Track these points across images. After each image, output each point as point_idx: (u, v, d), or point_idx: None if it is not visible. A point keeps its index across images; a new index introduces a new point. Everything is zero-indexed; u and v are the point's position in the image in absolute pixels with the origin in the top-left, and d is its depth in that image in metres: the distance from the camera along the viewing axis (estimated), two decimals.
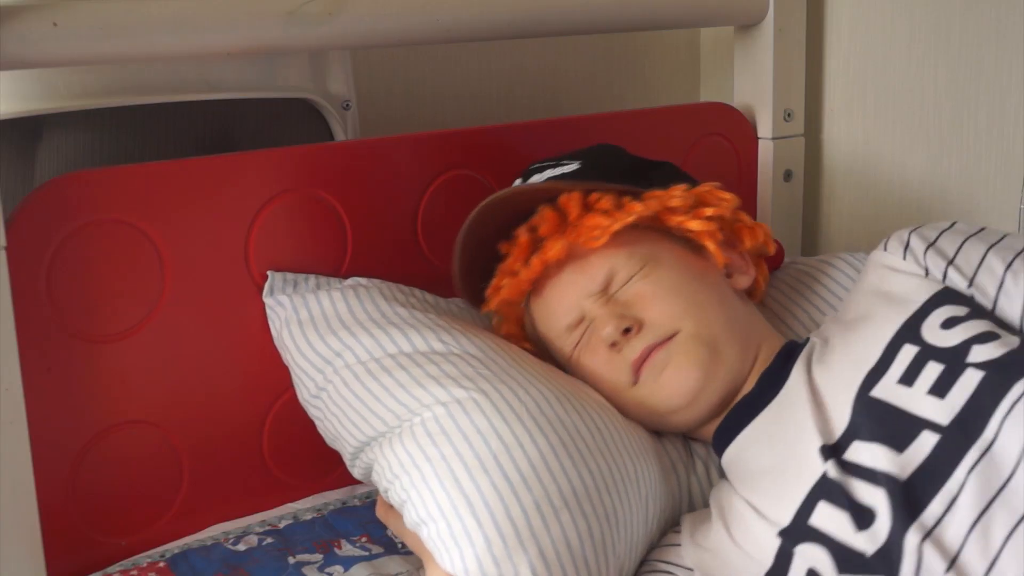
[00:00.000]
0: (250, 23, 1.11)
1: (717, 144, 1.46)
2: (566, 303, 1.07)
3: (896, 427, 0.89)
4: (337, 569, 1.01)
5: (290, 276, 1.13)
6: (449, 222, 1.23)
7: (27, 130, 1.22)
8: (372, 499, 1.14)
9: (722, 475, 1.05)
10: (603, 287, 1.06)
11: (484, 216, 1.08)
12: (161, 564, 1.04)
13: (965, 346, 0.91)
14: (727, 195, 1.11)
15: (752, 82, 1.52)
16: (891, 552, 0.84)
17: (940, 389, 0.89)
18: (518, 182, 1.14)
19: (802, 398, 0.97)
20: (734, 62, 1.55)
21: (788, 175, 1.53)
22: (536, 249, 1.08)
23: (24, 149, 1.24)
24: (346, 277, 1.15)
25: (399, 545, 1.06)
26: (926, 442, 0.87)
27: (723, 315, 1.05)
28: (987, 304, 0.97)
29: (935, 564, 0.81)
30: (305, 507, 1.14)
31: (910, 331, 0.95)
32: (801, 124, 1.54)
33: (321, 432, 1.09)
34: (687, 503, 1.07)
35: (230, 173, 1.11)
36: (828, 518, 0.88)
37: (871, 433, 0.90)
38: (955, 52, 1.41)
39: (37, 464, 0.99)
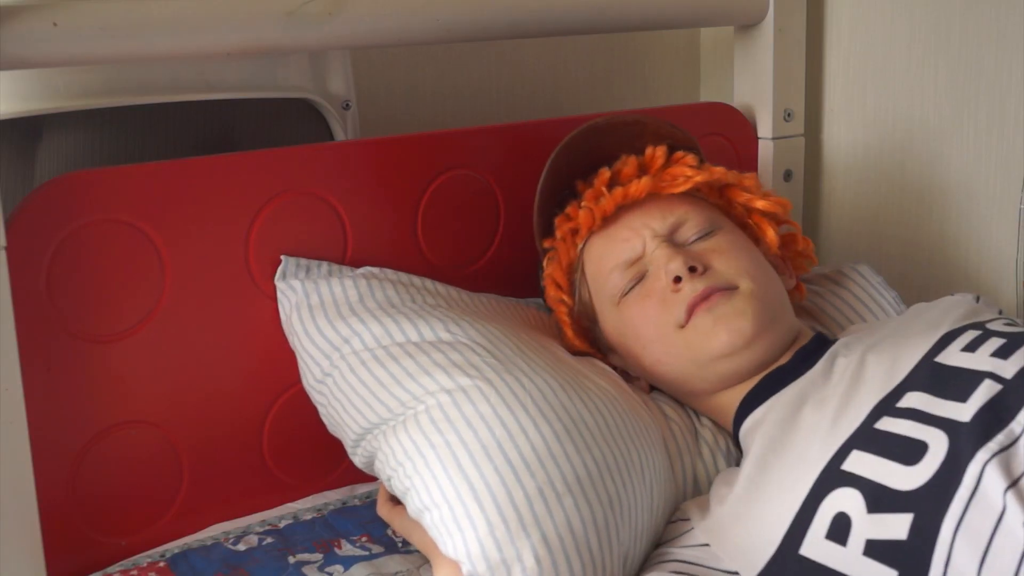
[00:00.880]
0: (250, 23, 1.11)
1: (717, 144, 1.46)
2: (631, 236, 1.10)
3: (957, 381, 0.89)
4: (337, 568, 1.01)
5: (303, 262, 1.13)
6: (449, 222, 1.23)
7: (27, 130, 1.22)
8: (372, 499, 1.14)
9: (728, 463, 1.07)
10: (670, 231, 1.09)
11: (574, 145, 1.13)
12: (161, 564, 1.04)
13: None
14: (786, 200, 1.17)
15: (752, 82, 1.52)
16: (948, 477, 0.82)
17: (1004, 353, 0.90)
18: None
19: (836, 372, 0.99)
20: (734, 62, 1.55)
21: (788, 175, 1.53)
22: (616, 186, 1.12)
23: (24, 149, 1.24)
24: None
25: (399, 544, 1.06)
26: (989, 388, 0.87)
27: (778, 289, 1.10)
28: None
29: (996, 485, 0.80)
30: (305, 507, 1.14)
31: (976, 325, 0.97)
32: (801, 124, 1.54)
33: (323, 418, 1.09)
34: (692, 489, 1.07)
35: (230, 173, 1.11)
36: (863, 463, 0.87)
37: (926, 386, 0.90)
38: (955, 52, 1.41)
39: (37, 464, 0.99)
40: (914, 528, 0.82)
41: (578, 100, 1.70)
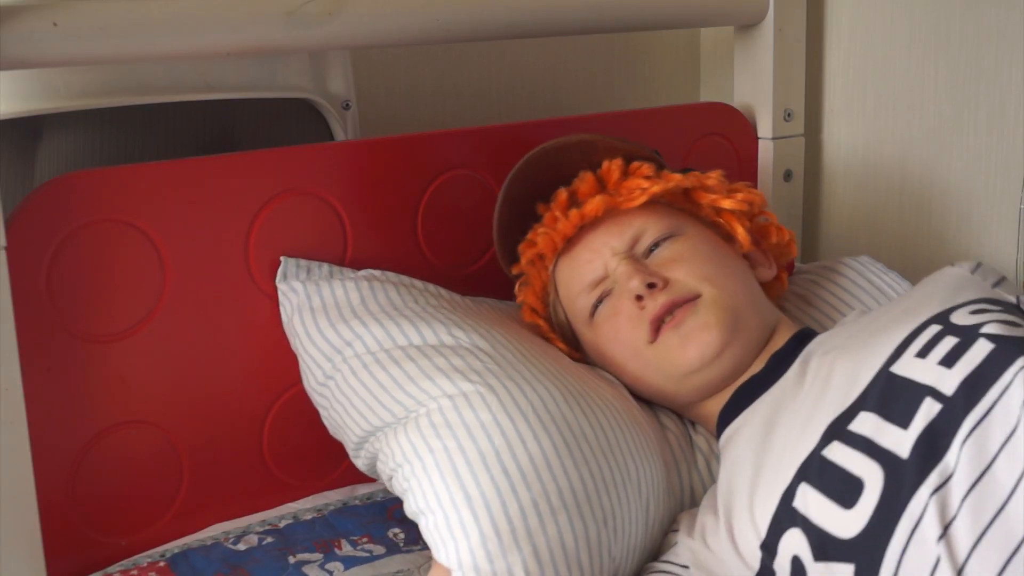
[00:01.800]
0: (250, 23, 1.11)
1: (717, 144, 1.46)
2: (593, 258, 1.09)
3: (903, 399, 0.87)
4: (337, 567, 1.01)
5: (303, 263, 1.13)
6: (449, 222, 1.23)
7: (27, 130, 1.22)
8: (372, 500, 1.14)
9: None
10: (630, 245, 1.08)
11: (527, 170, 1.12)
12: (161, 564, 1.04)
13: (983, 324, 0.89)
14: (758, 192, 1.15)
15: (752, 82, 1.52)
16: (882, 527, 0.82)
17: (951, 359, 0.88)
18: None
19: (808, 377, 0.97)
20: (734, 62, 1.55)
21: (788, 175, 1.53)
22: (574, 206, 1.11)
23: (24, 149, 1.24)
24: None
25: (400, 545, 1.06)
26: (928, 410, 0.85)
27: (744, 290, 1.08)
28: None
29: (931, 530, 0.79)
30: (305, 507, 1.14)
31: (940, 317, 0.94)
32: (801, 124, 1.54)
33: (325, 421, 1.09)
34: (688, 499, 1.07)
35: (230, 173, 1.11)
36: (808, 502, 0.87)
37: (876, 404, 0.88)
38: (955, 52, 1.41)
39: (37, 464, 0.99)
40: None
41: (578, 100, 1.70)
